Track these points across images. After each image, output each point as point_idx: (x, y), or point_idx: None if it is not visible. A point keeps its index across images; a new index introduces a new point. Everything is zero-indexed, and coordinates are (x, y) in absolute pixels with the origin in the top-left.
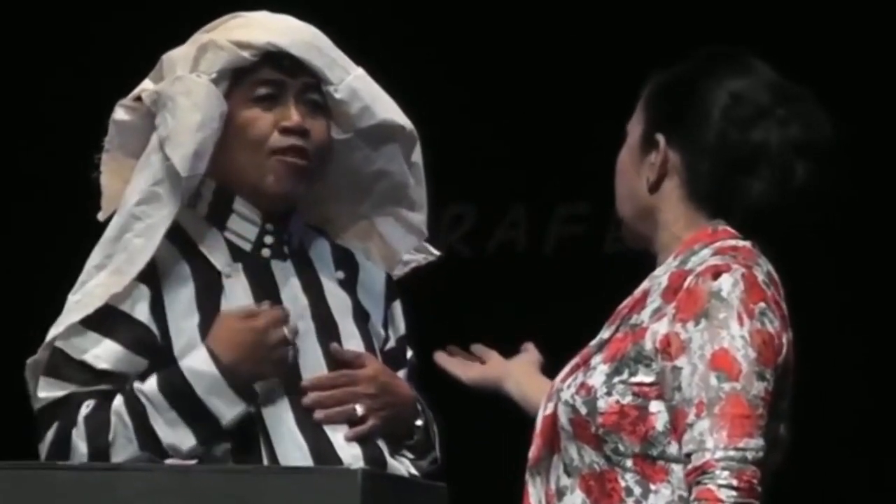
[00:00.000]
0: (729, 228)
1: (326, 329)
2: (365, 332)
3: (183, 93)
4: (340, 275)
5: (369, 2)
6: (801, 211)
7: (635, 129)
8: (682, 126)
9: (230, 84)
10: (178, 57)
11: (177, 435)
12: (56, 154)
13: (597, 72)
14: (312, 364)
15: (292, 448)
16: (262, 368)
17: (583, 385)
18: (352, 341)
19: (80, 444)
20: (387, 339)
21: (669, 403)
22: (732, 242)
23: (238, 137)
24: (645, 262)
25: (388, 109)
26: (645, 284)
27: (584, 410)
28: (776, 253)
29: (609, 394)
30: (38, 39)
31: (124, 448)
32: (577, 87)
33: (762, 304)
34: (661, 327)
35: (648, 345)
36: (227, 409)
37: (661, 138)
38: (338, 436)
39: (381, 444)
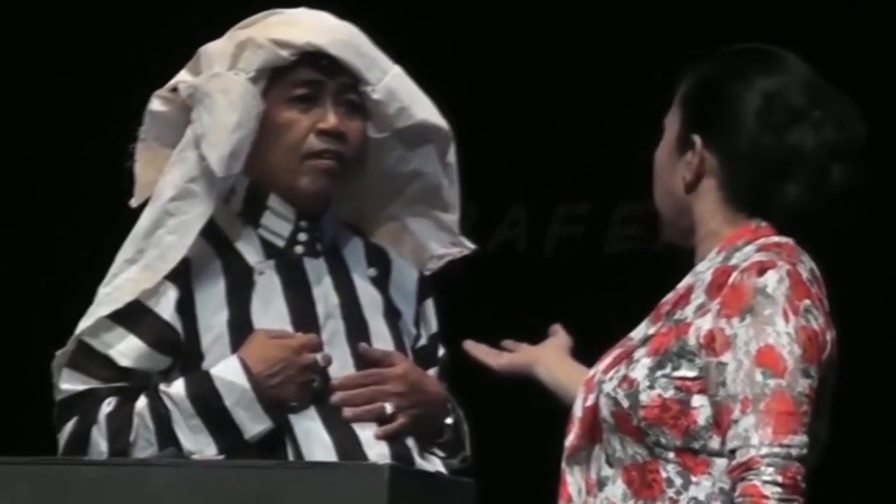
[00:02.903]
0: (770, 227)
1: (356, 328)
2: (395, 330)
3: (220, 90)
4: (373, 272)
5: (368, 2)
6: (838, 212)
7: (672, 126)
8: (717, 129)
9: (268, 83)
10: (215, 52)
11: (198, 442)
12: (74, 144)
13: (597, 72)
14: (341, 363)
15: (318, 446)
16: (288, 389)
17: (625, 378)
18: (381, 340)
19: (100, 442)
20: (418, 337)
21: (713, 399)
22: (776, 239)
23: (274, 138)
24: (646, 263)
25: (424, 110)
26: (688, 280)
27: (626, 403)
28: (813, 250)
29: (651, 387)
30: (49, 31)
31: (144, 450)
32: (578, 88)
33: (807, 301)
34: (706, 323)
35: (692, 340)
36: (252, 424)
37: (697, 140)
38: (365, 434)
39: (410, 442)
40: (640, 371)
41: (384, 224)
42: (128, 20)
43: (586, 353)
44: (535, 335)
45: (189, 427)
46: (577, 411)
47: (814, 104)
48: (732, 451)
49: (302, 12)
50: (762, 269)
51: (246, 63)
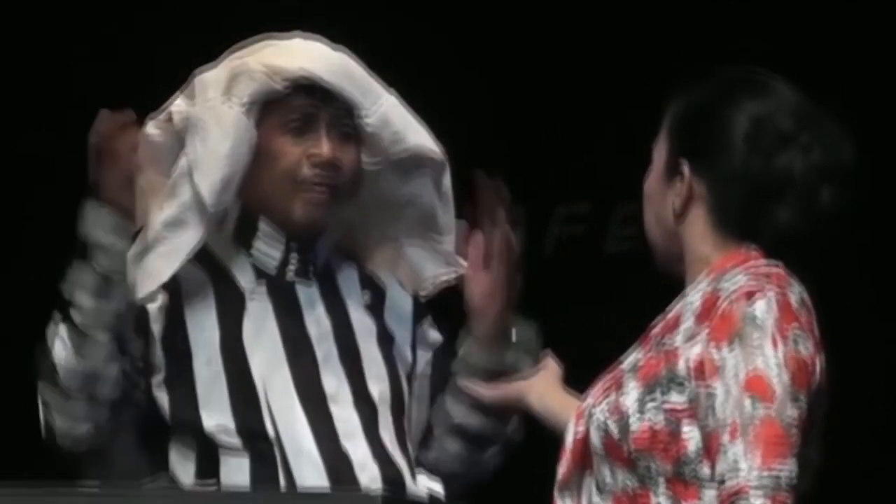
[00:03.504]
0: (760, 251)
1: (348, 352)
2: (388, 356)
3: (214, 119)
4: (367, 298)
5: (369, 1)
6: (828, 233)
7: (660, 154)
8: (706, 154)
9: (262, 111)
10: (210, 80)
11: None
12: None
13: (597, 73)
14: (336, 384)
15: (308, 466)
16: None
17: (616, 407)
18: (374, 365)
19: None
20: (414, 363)
21: (703, 426)
22: (765, 266)
23: (267, 166)
24: (646, 264)
25: (419, 137)
26: (677, 307)
27: (616, 432)
28: (803, 269)
29: (641, 415)
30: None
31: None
32: (578, 88)
33: (796, 328)
34: (695, 350)
35: (681, 367)
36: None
37: (685, 166)
38: (357, 455)
39: (400, 461)
40: (630, 399)
41: (379, 249)
42: (129, 26)
43: (586, 353)
44: None
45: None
46: (569, 440)
47: (801, 127)
48: (722, 479)
49: (296, 42)
50: (750, 296)
51: (240, 92)
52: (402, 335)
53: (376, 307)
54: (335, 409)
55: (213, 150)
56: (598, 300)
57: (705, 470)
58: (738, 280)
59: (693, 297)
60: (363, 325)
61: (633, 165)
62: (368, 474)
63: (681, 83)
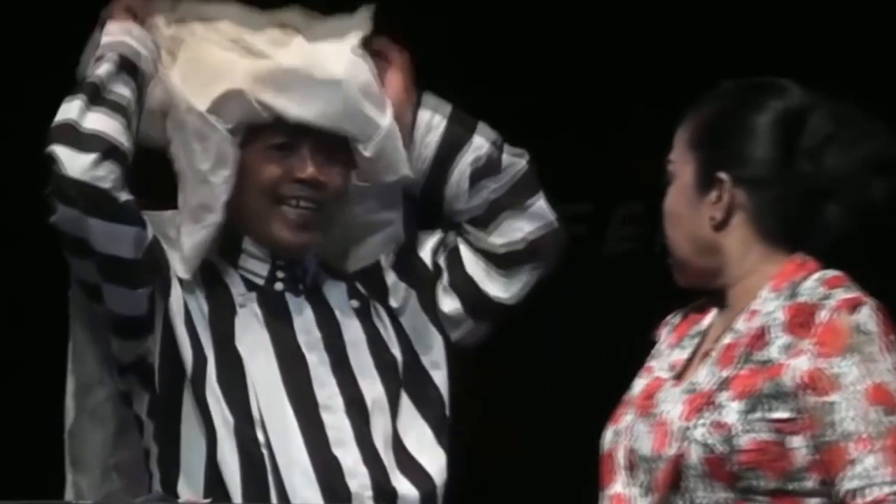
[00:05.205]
0: (812, 259)
1: (340, 361)
2: (381, 363)
3: (196, 135)
4: (355, 304)
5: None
6: (878, 227)
7: (684, 169)
8: (746, 162)
9: (247, 131)
10: (196, 77)
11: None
12: None
13: (598, 72)
14: (328, 392)
15: (299, 473)
16: None
17: (717, 424)
18: (366, 373)
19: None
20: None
21: (820, 439)
22: (831, 272)
23: (250, 184)
24: (646, 263)
25: (407, 165)
26: (755, 322)
27: (721, 448)
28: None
29: (748, 431)
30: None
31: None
32: (578, 88)
33: (894, 336)
34: (802, 363)
35: (788, 381)
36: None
37: (724, 176)
38: (347, 462)
39: (388, 462)
40: (731, 415)
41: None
42: None
43: (586, 353)
44: (535, 334)
45: None
46: (620, 458)
47: (840, 124)
48: (853, 492)
49: (290, 69)
50: (853, 306)
51: (227, 115)
52: (389, 326)
53: (365, 311)
54: (327, 417)
55: (193, 167)
56: (598, 300)
57: (809, 484)
58: (814, 289)
59: (773, 310)
60: (354, 334)
61: (633, 166)
62: (359, 481)
63: (695, 97)
